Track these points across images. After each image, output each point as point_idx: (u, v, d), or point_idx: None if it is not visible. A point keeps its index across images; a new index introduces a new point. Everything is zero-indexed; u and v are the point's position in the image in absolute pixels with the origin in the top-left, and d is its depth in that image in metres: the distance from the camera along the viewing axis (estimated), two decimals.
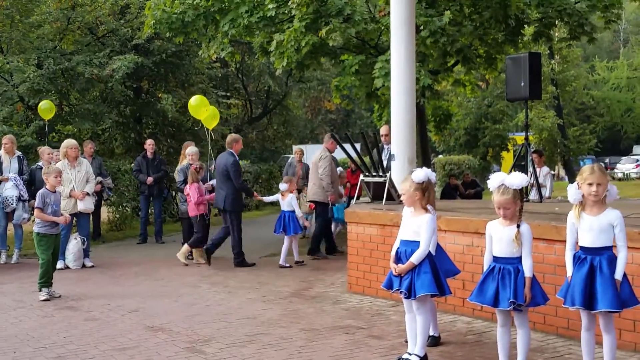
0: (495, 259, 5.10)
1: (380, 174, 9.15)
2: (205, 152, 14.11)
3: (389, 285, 5.52)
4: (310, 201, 11.96)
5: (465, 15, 13.06)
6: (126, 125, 19.52)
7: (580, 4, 13.39)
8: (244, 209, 13.49)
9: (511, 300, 4.90)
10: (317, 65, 14.39)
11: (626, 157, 47.39)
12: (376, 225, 8.09)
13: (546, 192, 11.92)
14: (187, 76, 20.11)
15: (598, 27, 14.20)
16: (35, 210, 8.36)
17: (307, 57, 12.55)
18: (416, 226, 5.41)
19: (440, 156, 28.66)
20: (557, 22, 13.94)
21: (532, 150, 11.74)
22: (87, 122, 17.04)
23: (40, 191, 8.48)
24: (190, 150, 12.21)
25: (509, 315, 5.15)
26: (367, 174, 9.41)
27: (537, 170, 12.05)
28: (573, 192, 4.85)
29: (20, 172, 11.64)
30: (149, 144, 14.26)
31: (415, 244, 5.38)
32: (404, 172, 8.40)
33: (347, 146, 10.29)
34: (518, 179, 4.96)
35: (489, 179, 5.12)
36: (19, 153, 11.95)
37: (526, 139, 10.35)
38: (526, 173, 10.16)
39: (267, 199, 12.56)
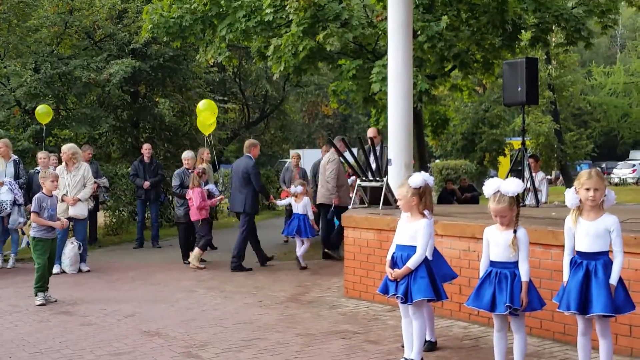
0: (492, 263, 5.10)
1: (378, 178, 9.15)
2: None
3: (385, 290, 5.52)
4: (319, 204, 11.99)
5: (463, 20, 13.08)
6: (123, 130, 19.49)
7: (577, 10, 13.41)
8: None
9: (507, 304, 4.90)
10: (314, 70, 14.38)
11: (623, 162, 47.53)
12: (373, 230, 8.09)
13: (542, 198, 11.92)
14: (184, 80, 20.11)
15: (595, 32, 14.24)
16: (32, 214, 8.35)
17: (305, 61, 12.56)
18: (413, 231, 5.41)
19: (437, 161, 28.68)
20: (554, 27, 13.96)
21: (529, 155, 11.74)
22: (84, 127, 17.03)
23: (37, 195, 8.47)
24: (185, 154, 12.21)
25: (506, 320, 5.14)
26: (363, 178, 9.41)
27: (533, 175, 12.06)
28: (571, 196, 4.86)
29: (17, 176, 11.61)
30: (146, 149, 14.24)
31: (411, 249, 5.38)
32: (401, 176, 8.40)
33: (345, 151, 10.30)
34: (513, 186, 4.96)
35: (484, 184, 5.13)
36: (15, 157, 11.91)
37: (523, 143, 10.36)
38: (523, 178, 10.18)
39: (281, 202, 12.65)
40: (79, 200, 10.73)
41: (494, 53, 13.84)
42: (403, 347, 5.64)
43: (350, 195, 12.79)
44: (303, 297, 8.58)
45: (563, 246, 5.00)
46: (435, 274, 5.48)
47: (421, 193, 5.46)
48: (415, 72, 11.16)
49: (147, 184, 13.81)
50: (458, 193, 16.60)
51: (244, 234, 11.00)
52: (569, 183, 27.84)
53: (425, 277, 5.33)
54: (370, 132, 11.15)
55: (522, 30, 13.76)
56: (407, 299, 5.33)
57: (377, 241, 8.00)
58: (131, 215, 16.34)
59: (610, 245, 4.76)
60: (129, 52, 17.94)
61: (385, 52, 10.31)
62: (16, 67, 16.18)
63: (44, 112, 14.99)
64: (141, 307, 8.06)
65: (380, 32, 12.47)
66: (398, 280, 5.38)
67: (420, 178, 5.49)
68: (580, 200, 4.81)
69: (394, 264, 5.47)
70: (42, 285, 8.33)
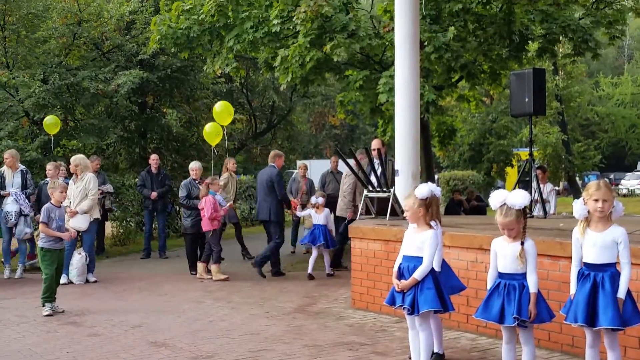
0: (501, 275, 5.08)
1: (384, 189, 9.14)
2: (209, 167, 14.13)
3: (392, 302, 5.50)
4: (338, 217, 12.06)
5: (470, 31, 13.09)
6: (131, 140, 19.54)
7: (585, 20, 13.42)
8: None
9: (515, 316, 4.87)
10: (321, 81, 14.41)
11: (631, 173, 47.37)
12: (380, 240, 8.08)
13: (550, 209, 11.89)
14: (191, 91, 20.15)
15: (602, 43, 14.24)
16: (40, 225, 8.38)
17: (312, 72, 12.58)
18: (419, 242, 5.39)
19: (444, 171, 28.65)
20: (561, 38, 13.97)
21: (536, 166, 11.71)
22: (91, 137, 17.07)
23: (46, 206, 8.51)
24: (192, 165, 12.22)
25: (515, 332, 5.12)
26: (370, 189, 9.39)
27: (542, 186, 12.02)
28: (579, 207, 4.84)
29: (24, 187, 11.64)
30: (153, 159, 14.28)
31: (418, 260, 5.36)
32: (407, 187, 8.39)
33: (351, 161, 10.29)
34: (520, 198, 4.94)
35: (491, 195, 5.11)
36: (22, 167, 11.95)
37: (530, 154, 10.33)
38: (530, 189, 10.15)
39: (301, 213, 12.73)
40: (77, 212, 10.70)
41: (501, 64, 13.85)
42: (410, 358, 5.62)
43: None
44: (310, 308, 8.56)
45: (571, 257, 4.98)
46: (442, 285, 5.46)
47: (428, 204, 5.45)
48: (422, 82, 11.16)
49: (154, 194, 13.84)
50: (465, 204, 16.56)
51: (278, 242, 11.35)
52: (577, 194, 27.78)
53: (431, 288, 5.32)
54: (377, 143, 11.05)
55: (529, 41, 13.78)
56: (413, 310, 5.31)
57: (384, 252, 7.98)
58: (138, 225, 16.37)
59: (617, 256, 4.74)
60: (136, 63, 18.00)
61: (393, 63, 10.31)
62: (25, 78, 16.25)
63: (51, 122, 15.05)
64: (148, 318, 8.06)
65: (387, 43, 12.48)
66: (405, 291, 5.37)
67: (426, 189, 5.48)
68: (589, 211, 4.80)
69: (400, 275, 5.45)
70: (49, 296, 8.34)
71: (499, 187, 28.10)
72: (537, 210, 10.48)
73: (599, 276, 4.73)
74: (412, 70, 9.13)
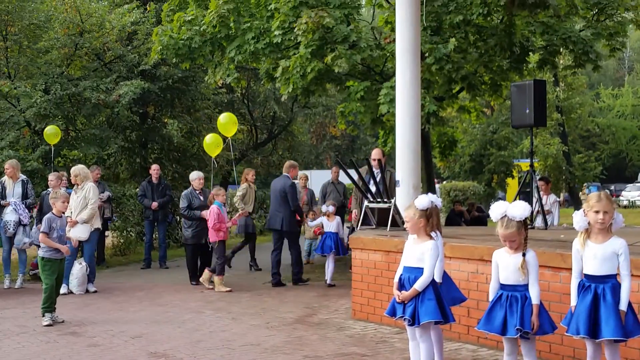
0: (502, 286, 5.07)
1: (385, 199, 9.13)
2: (209, 177, 14.14)
3: (393, 313, 5.49)
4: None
5: (470, 42, 13.12)
6: (132, 150, 19.56)
7: (585, 32, 13.46)
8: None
9: (517, 327, 4.87)
10: (322, 92, 14.43)
11: (631, 185, 47.34)
12: (380, 251, 8.07)
13: (554, 220, 11.89)
14: (193, 102, 20.20)
15: (603, 54, 14.27)
16: (41, 235, 8.36)
17: (313, 83, 12.61)
18: (420, 253, 5.39)
19: (445, 182, 28.65)
20: (562, 49, 13.99)
21: (539, 177, 11.70)
22: (92, 147, 17.09)
23: (47, 216, 8.50)
24: (193, 175, 12.20)
25: (516, 344, 5.10)
26: (371, 199, 9.39)
27: (544, 197, 12.01)
28: (579, 219, 4.84)
29: (25, 197, 11.65)
30: (154, 169, 14.29)
31: (418, 271, 5.35)
32: (408, 198, 8.40)
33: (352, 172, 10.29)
34: (520, 210, 4.94)
35: (491, 207, 5.11)
36: (23, 177, 11.95)
37: (531, 165, 10.33)
38: (531, 200, 10.14)
39: (312, 223, 12.78)
40: (77, 222, 10.69)
41: (501, 75, 13.88)
42: None
43: None
44: (310, 319, 8.55)
45: (572, 269, 4.97)
46: (443, 296, 5.46)
47: (428, 215, 5.45)
48: (423, 93, 11.18)
49: (155, 204, 13.84)
50: (466, 214, 16.55)
51: (297, 251, 11.58)
52: (577, 205, 27.76)
53: (432, 299, 5.31)
54: (377, 153, 10.86)
55: (530, 53, 13.81)
56: (414, 321, 5.30)
57: (385, 263, 7.97)
58: (139, 235, 16.36)
59: (618, 268, 4.74)
60: (138, 73, 18.05)
61: (393, 74, 10.34)
62: (26, 88, 16.29)
63: (52, 132, 15.08)
64: (148, 328, 8.04)
65: (388, 54, 12.51)
66: (405, 302, 5.36)
67: (426, 200, 5.48)
68: (589, 223, 4.80)
69: (401, 286, 5.44)
70: (49, 306, 8.32)
71: (499, 198, 28.17)
72: (539, 222, 10.47)
73: (599, 288, 4.73)
74: (413, 81, 9.15)
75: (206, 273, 11.19)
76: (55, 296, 8.43)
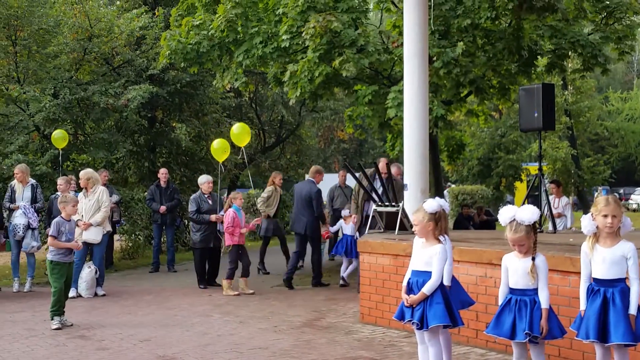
0: (512, 290, 5.06)
1: (393, 203, 9.13)
2: (217, 182, 14.15)
3: (401, 316, 5.48)
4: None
5: (479, 46, 13.11)
6: (140, 154, 19.60)
7: (594, 36, 13.43)
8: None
9: (526, 331, 4.85)
10: (330, 95, 14.44)
11: None
12: (389, 255, 8.06)
13: (567, 223, 11.89)
14: (201, 106, 20.23)
15: (612, 58, 14.21)
16: (49, 238, 8.39)
17: (321, 87, 12.63)
18: (428, 257, 5.38)
19: (453, 186, 28.59)
20: (570, 53, 13.97)
21: (550, 181, 11.64)
22: (101, 151, 17.14)
23: (56, 219, 8.52)
24: (201, 179, 12.21)
25: (525, 348, 5.09)
26: (379, 203, 9.39)
27: (557, 200, 12.00)
28: (587, 223, 4.83)
29: (34, 200, 11.69)
30: (163, 173, 14.32)
31: (427, 274, 5.35)
32: (416, 202, 8.39)
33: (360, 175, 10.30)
34: (528, 214, 4.93)
35: (499, 211, 5.10)
36: (32, 181, 12.01)
37: (540, 169, 10.31)
38: (540, 204, 10.12)
39: (333, 228, 13.09)
40: (91, 224, 10.76)
41: (510, 79, 13.85)
42: None
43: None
44: (318, 323, 8.54)
45: (580, 273, 4.96)
46: (451, 300, 5.45)
47: (437, 218, 5.45)
48: (431, 97, 11.17)
49: (163, 208, 13.87)
50: (475, 217, 16.50)
51: (317, 255, 11.79)
52: (586, 209, 27.63)
53: (440, 303, 5.30)
54: (382, 167, 10.68)
55: (538, 56, 13.78)
56: (422, 325, 5.29)
57: (393, 267, 7.96)
58: (147, 239, 16.40)
59: (627, 272, 4.72)
60: (146, 77, 18.09)
61: (401, 78, 10.33)
62: (35, 92, 16.34)
63: (59, 137, 15.14)
64: (157, 332, 8.06)
65: (396, 58, 12.52)
66: (414, 306, 5.35)
67: (436, 203, 5.48)
68: (597, 227, 4.78)
69: (409, 290, 5.44)
70: (58, 309, 8.35)
71: (507, 202, 28.09)
72: (549, 226, 10.44)
73: (609, 292, 4.71)
74: (421, 85, 9.15)
75: (241, 282, 11.06)
76: (64, 300, 8.46)
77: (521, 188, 27.79)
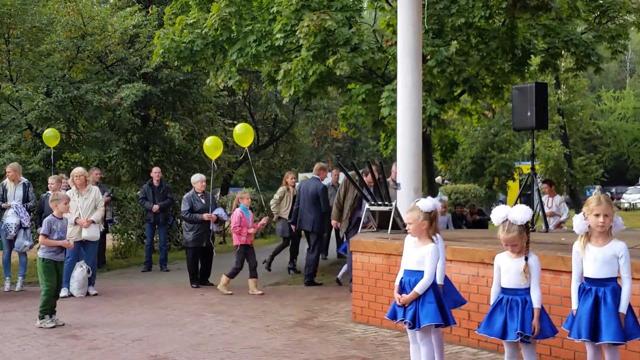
0: (504, 290, 5.07)
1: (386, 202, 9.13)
2: (210, 180, 14.11)
3: (393, 316, 5.48)
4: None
5: (472, 45, 13.12)
6: (133, 153, 19.53)
7: (587, 35, 13.46)
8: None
9: (518, 331, 4.86)
10: (324, 94, 14.43)
11: (632, 187, 47.34)
12: (381, 254, 8.06)
13: (564, 219, 11.94)
14: (194, 104, 20.17)
15: (604, 57, 14.25)
16: (41, 236, 8.36)
17: (314, 86, 12.61)
18: (420, 256, 5.38)
19: (447, 184, 28.63)
20: (563, 52, 13.99)
21: (542, 180, 11.66)
22: (94, 150, 17.07)
23: (47, 218, 8.49)
24: (194, 178, 12.18)
25: (517, 348, 5.09)
26: (372, 202, 9.38)
27: (551, 200, 12.03)
28: (579, 222, 4.83)
29: (26, 199, 11.65)
30: (155, 172, 14.28)
31: (419, 274, 5.35)
32: (409, 201, 8.38)
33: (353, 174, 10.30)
34: (521, 214, 4.93)
35: (492, 211, 5.10)
36: (24, 180, 11.95)
37: (532, 168, 10.33)
38: (532, 203, 10.13)
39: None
40: (93, 222, 10.78)
41: (503, 78, 13.88)
42: None
43: None
44: (311, 322, 8.54)
45: (572, 272, 4.96)
46: (443, 299, 5.45)
47: (432, 217, 5.45)
48: (424, 96, 11.18)
49: (156, 207, 13.83)
50: (468, 217, 16.53)
51: (315, 252, 11.76)
52: (578, 208, 27.72)
53: (433, 302, 5.30)
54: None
55: (532, 55, 13.81)
56: (415, 324, 5.29)
57: (386, 266, 7.96)
58: (140, 238, 16.35)
59: (618, 271, 4.73)
60: (140, 76, 18.04)
61: (395, 77, 10.33)
62: (28, 91, 16.27)
63: (51, 135, 15.07)
64: (149, 331, 8.04)
65: (389, 57, 12.52)
66: (406, 305, 5.35)
67: (430, 202, 5.49)
68: (589, 226, 4.79)
69: (402, 289, 5.44)
70: (48, 308, 8.32)
71: (500, 201, 28.13)
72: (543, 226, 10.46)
73: (600, 291, 4.72)
74: (415, 84, 9.16)
75: (250, 283, 10.93)
76: (55, 299, 8.42)
77: (514, 187, 27.86)
